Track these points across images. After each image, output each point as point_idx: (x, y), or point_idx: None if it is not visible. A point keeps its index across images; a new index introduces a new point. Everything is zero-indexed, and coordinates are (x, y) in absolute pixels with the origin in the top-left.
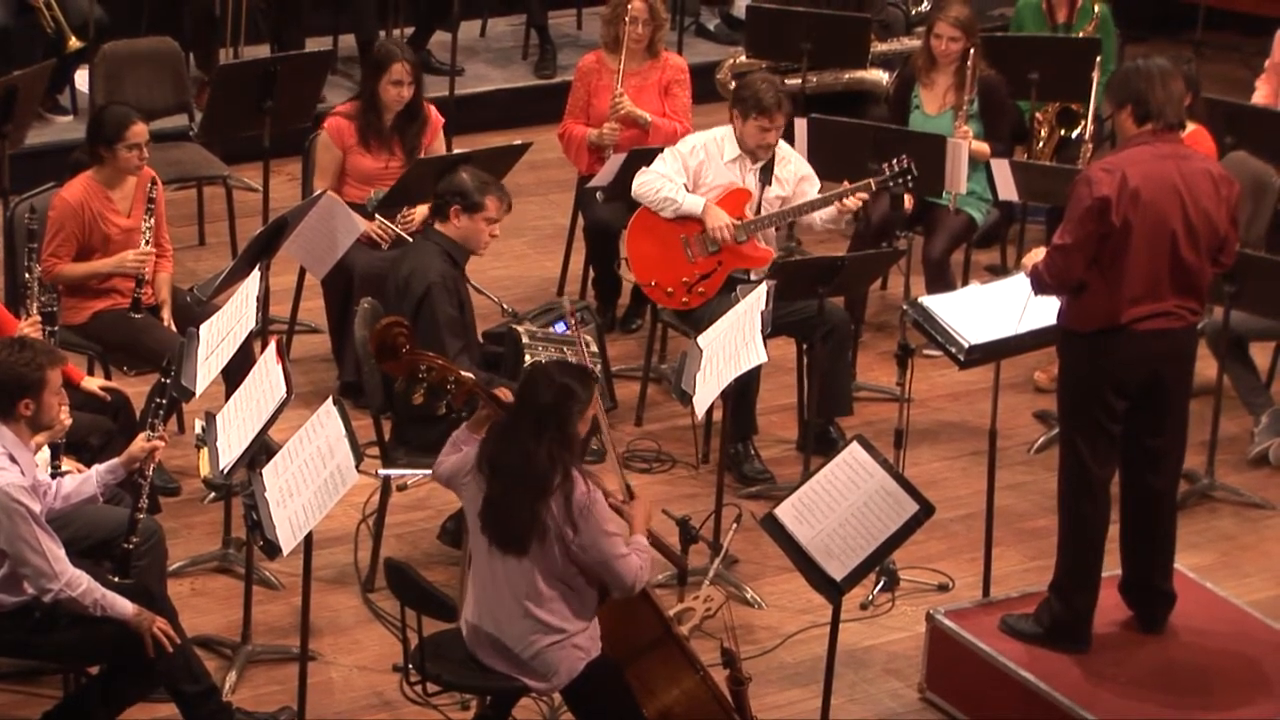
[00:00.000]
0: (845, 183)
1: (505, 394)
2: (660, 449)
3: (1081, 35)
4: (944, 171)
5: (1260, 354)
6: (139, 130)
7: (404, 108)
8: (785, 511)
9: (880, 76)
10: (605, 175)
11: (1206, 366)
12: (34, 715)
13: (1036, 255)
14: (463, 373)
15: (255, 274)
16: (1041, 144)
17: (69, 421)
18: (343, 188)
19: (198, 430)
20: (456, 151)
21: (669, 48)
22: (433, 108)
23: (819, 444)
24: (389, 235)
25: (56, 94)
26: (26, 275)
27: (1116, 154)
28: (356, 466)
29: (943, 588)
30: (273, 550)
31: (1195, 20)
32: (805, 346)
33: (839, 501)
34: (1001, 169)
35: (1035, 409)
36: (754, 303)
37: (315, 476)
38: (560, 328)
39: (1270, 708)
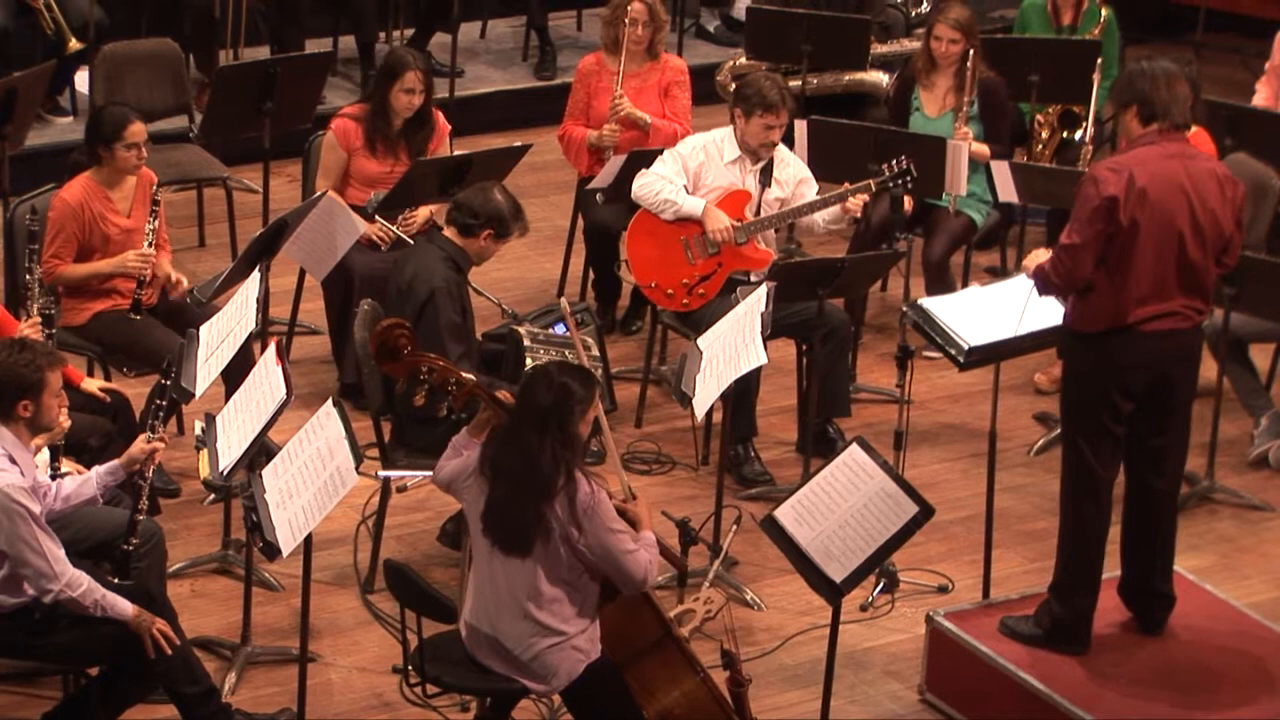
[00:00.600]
0: (846, 184)
1: (507, 396)
2: (660, 451)
3: (1087, 38)
4: (944, 173)
5: (1260, 356)
6: (137, 129)
7: (413, 114)
8: (785, 513)
9: (880, 78)
10: (605, 177)
11: (1207, 369)
12: (34, 716)
13: (1039, 257)
14: (464, 374)
15: (255, 275)
16: (1042, 146)
17: (68, 423)
18: (345, 189)
19: (197, 432)
20: (457, 153)
21: (669, 49)
22: (440, 115)
23: (819, 446)
24: (389, 237)
25: (57, 95)
26: (27, 276)
27: (1123, 154)
28: (356, 468)
29: (942, 589)
30: (272, 552)
31: (1196, 22)
32: (805, 348)
33: (839, 503)
34: (1001, 171)
35: (1035, 411)
36: (754, 304)
37: (315, 478)
38: (560, 329)
39: (1271, 709)
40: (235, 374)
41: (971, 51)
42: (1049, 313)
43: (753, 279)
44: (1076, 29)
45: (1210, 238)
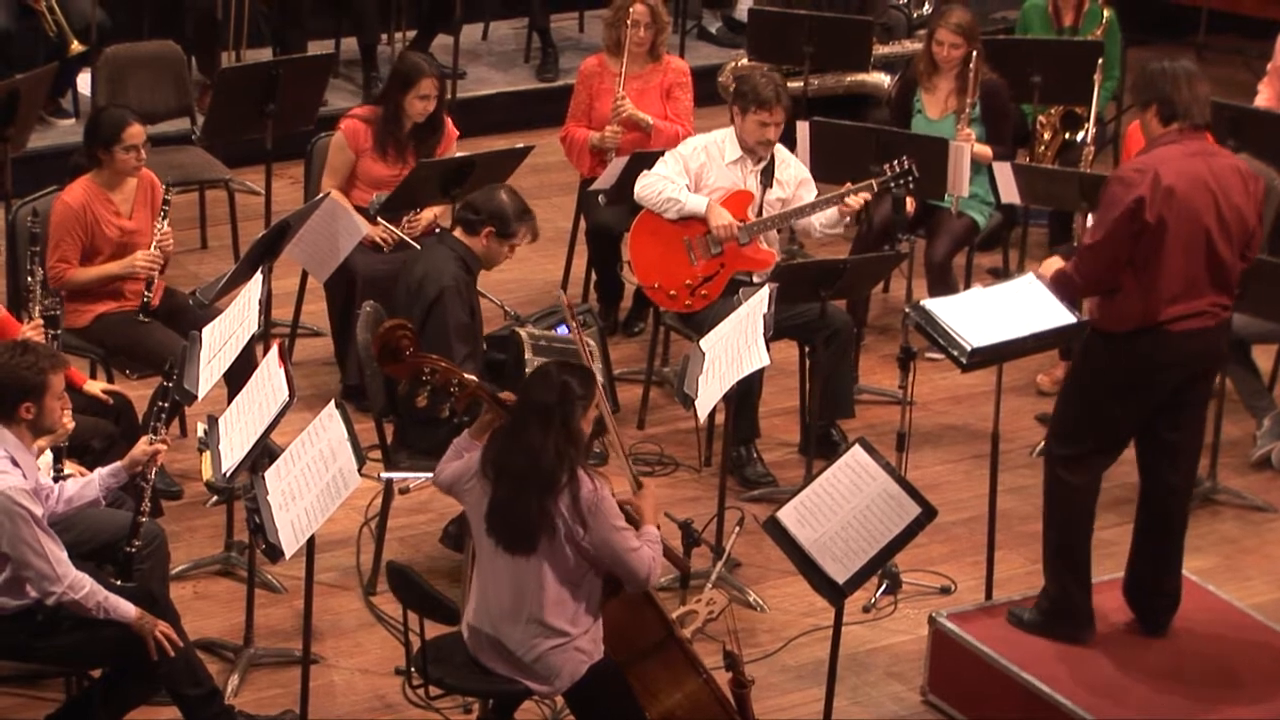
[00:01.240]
0: (848, 184)
1: (509, 398)
2: (663, 452)
3: (1088, 39)
4: (946, 175)
5: (1263, 357)
6: (136, 132)
7: (425, 119)
8: (787, 514)
9: (882, 79)
10: (607, 178)
11: None
12: (36, 718)
13: (1054, 264)
14: (466, 376)
15: (258, 277)
16: (1044, 147)
17: (71, 425)
18: (351, 190)
19: (200, 433)
20: (459, 155)
21: (671, 51)
22: (450, 120)
23: (821, 447)
24: (392, 239)
25: (59, 97)
26: (29, 279)
27: (1146, 154)
28: (359, 470)
29: (945, 591)
30: (275, 553)
31: (1198, 23)
32: (808, 349)
33: (841, 504)
34: (1004, 172)
35: (1038, 412)
36: (756, 306)
37: (318, 480)
38: (562, 330)
39: (1274, 710)
40: (238, 376)
41: (974, 54)
42: (1050, 314)
43: (755, 280)
44: (1078, 30)
45: (1236, 234)
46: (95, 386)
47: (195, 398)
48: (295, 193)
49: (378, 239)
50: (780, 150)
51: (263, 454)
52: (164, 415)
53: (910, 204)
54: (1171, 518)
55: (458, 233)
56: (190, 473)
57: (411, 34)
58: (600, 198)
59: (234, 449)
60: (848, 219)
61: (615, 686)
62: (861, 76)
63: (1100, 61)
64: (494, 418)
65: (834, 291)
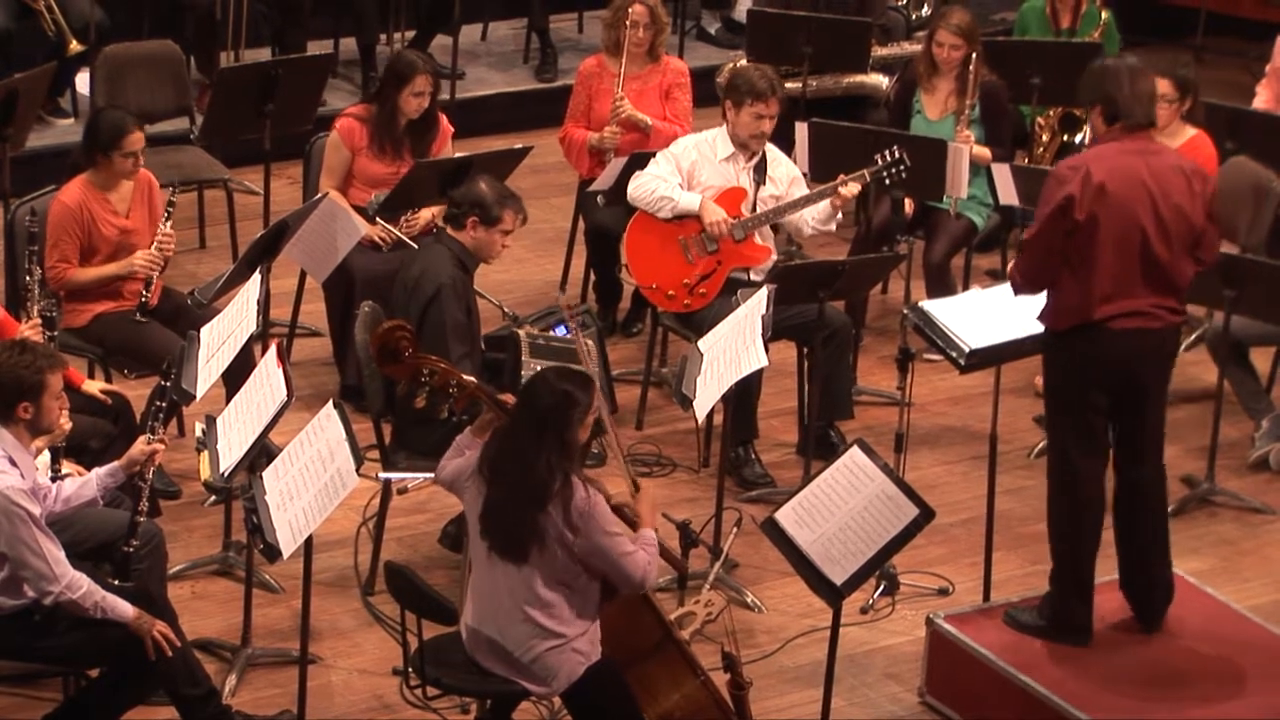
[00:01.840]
0: (841, 177)
1: (509, 399)
2: (661, 453)
3: (1087, 40)
4: (945, 176)
5: (1261, 359)
6: (135, 139)
7: (419, 116)
8: (786, 515)
9: (880, 81)
10: (606, 179)
11: (1207, 372)
12: (34, 718)
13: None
14: (465, 376)
15: (256, 277)
16: (1042, 149)
17: (69, 425)
18: (348, 189)
19: (198, 433)
20: (457, 155)
21: (670, 51)
22: (444, 117)
23: (819, 448)
24: (390, 239)
25: (57, 97)
26: (27, 278)
27: (1085, 152)
28: (357, 470)
29: (943, 592)
30: (273, 553)
31: (1196, 25)
32: (806, 350)
33: (839, 506)
34: (1003, 173)
35: (1036, 413)
36: (755, 307)
37: (316, 480)
38: (561, 331)
39: (1271, 712)
40: (236, 376)
41: (974, 55)
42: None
43: (752, 277)
44: (1075, 32)
45: (1176, 234)
46: (93, 386)
47: (193, 397)
48: (294, 193)
49: (376, 238)
50: (771, 149)
51: (261, 454)
52: (162, 415)
53: (909, 205)
54: (1148, 511)
55: (450, 231)
56: (188, 472)
57: (410, 34)
58: (599, 198)
59: (232, 449)
60: (840, 214)
61: (613, 687)
62: (860, 78)
63: None
64: (494, 418)
65: (832, 292)
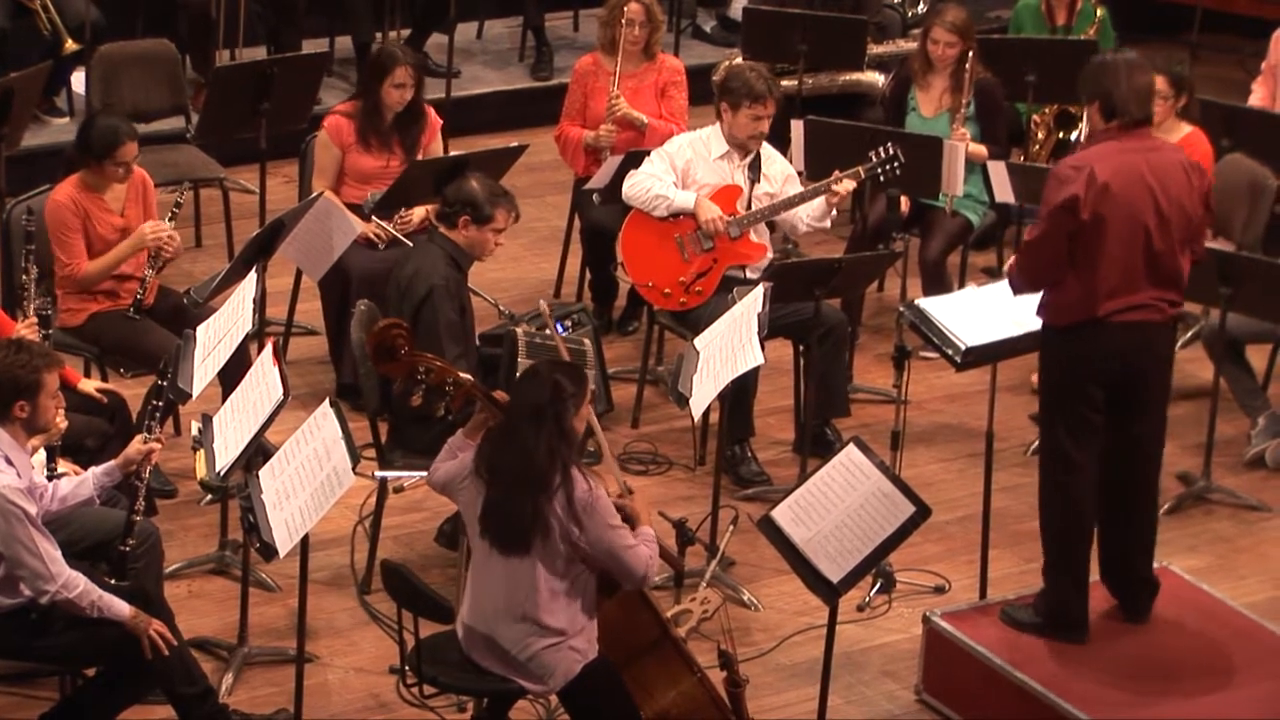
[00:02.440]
0: (836, 173)
1: (503, 397)
2: (657, 451)
3: (1082, 38)
4: (940, 174)
5: (1257, 356)
6: (127, 150)
7: (404, 109)
8: (782, 513)
9: (876, 78)
10: (602, 178)
11: (1203, 369)
12: (31, 717)
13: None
14: (461, 375)
15: (252, 276)
16: (1038, 146)
17: (65, 424)
18: (341, 187)
19: (194, 432)
20: (453, 154)
21: (665, 50)
22: (431, 109)
23: (815, 446)
24: (386, 237)
25: (53, 96)
26: (23, 277)
27: (1085, 150)
28: (353, 468)
29: (939, 589)
30: (269, 552)
31: (1192, 22)
32: (802, 348)
33: (835, 503)
34: (998, 171)
35: (1032, 411)
36: (751, 305)
37: (312, 478)
38: (557, 329)
39: (1268, 709)
40: (232, 374)
41: (970, 54)
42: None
43: (748, 274)
44: (1070, 29)
45: (1177, 227)
46: (90, 385)
47: (190, 396)
48: (289, 192)
49: (371, 235)
50: (765, 146)
51: (257, 453)
52: (158, 414)
53: (905, 203)
54: (1139, 507)
55: (442, 229)
56: (185, 471)
57: (406, 33)
58: (595, 197)
59: (228, 448)
60: (834, 211)
61: (610, 685)
62: (856, 75)
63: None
64: (488, 417)
65: (828, 290)
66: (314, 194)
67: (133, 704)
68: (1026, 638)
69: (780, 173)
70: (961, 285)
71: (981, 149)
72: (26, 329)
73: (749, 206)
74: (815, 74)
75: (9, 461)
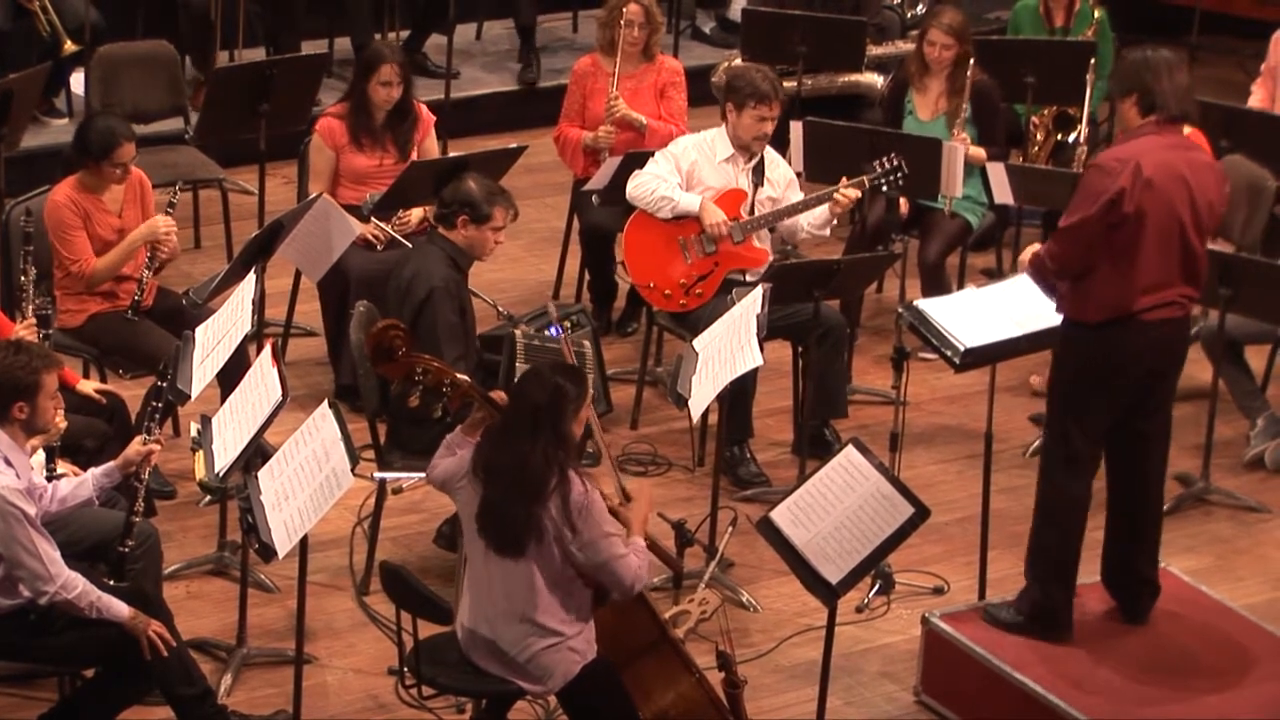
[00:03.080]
0: (844, 180)
1: (501, 397)
2: (656, 452)
3: (1080, 39)
4: (940, 175)
5: (1255, 358)
6: (125, 151)
7: (394, 107)
8: (781, 514)
9: (875, 80)
10: (601, 179)
11: (1202, 370)
12: (30, 717)
13: (1034, 249)
14: (459, 376)
15: (251, 277)
16: (1037, 148)
17: (64, 425)
18: (337, 189)
19: (193, 433)
20: (452, 154)
21: (664, 50)
22: (423, 106)
23: (814, 447)
24: (385, 238)
25: (52, 97)
26: (22, 278)
27: (1126, 144)
28: (352, 469)
29: (938, 591)
30: (268, 553)
31: (1191, 23)
32: (801, 349)
33: (834, 505)
34: (997, 172)
35: (1031, 412)
36: (749, 306)
37: (311, 480)
38: (555, 331)
39: (1267, 711)
40: (231, 376)
41: (970, 58)
42: (1045, 314)
43: (749, 279)
44: (1069, 30)
45: (1208, 227)
46: (89, 386)
47: (188, 397)
48: (288, 193)
49: (370, 236)
50: (769, 150)
51: (256, 454)
52: (157, 415)
53: (903, 204)
54: (1147, 506)
55: (441, 230)
56: (184, 472)
57: (405, 34)
58: (594, 198)
59: (227, 449)
60: (835, 219)
61: (608, 686)
62: (855, 77)
63: (1093, 62)
64: (486, 415)
65: (827, 291)
66: (313, 195)
67: (131, 705)
68: (1026, 639)
69: (783, 177)
70: (960, 286)
71: (981, 152)
72: (25, 330)
73: (752, 210)
74: (814, 75)
75: (8, 462)
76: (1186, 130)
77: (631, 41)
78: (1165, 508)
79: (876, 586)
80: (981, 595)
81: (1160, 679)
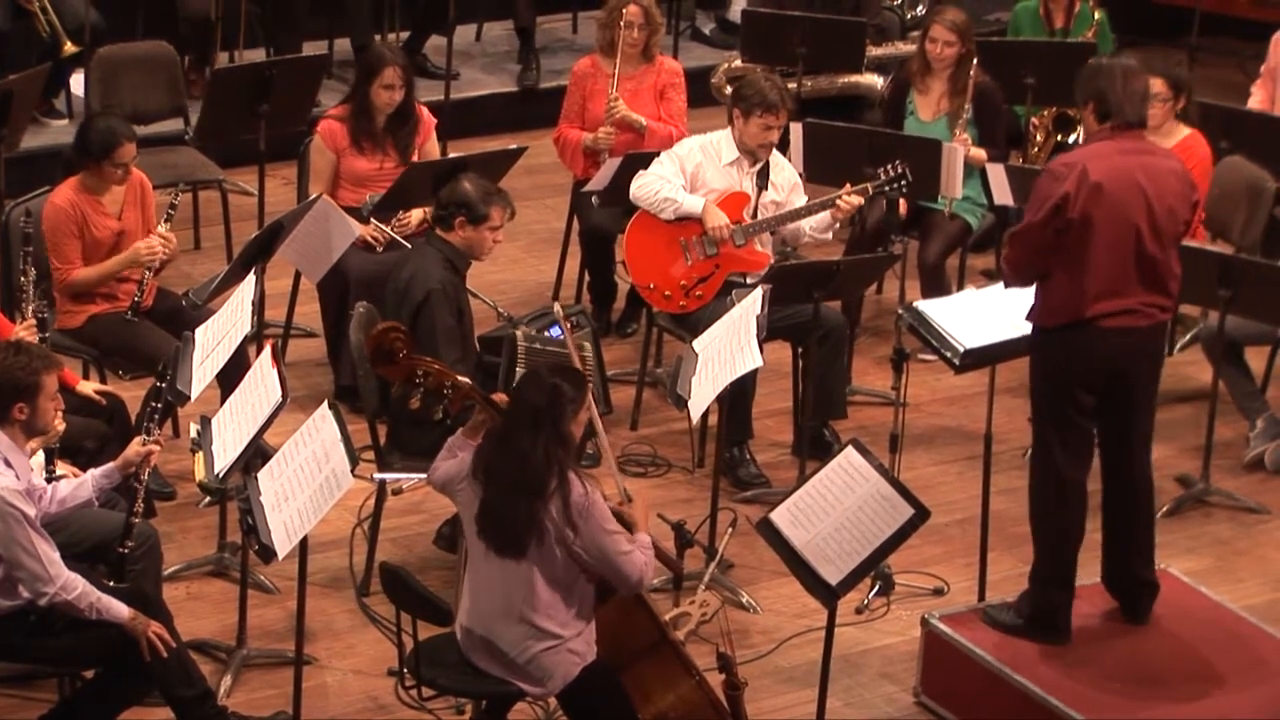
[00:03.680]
0: (847, 186)
1: (502, 399)
2: (655, 453)
3: (1080, 40)
4: (939, 176)
5: (1255, 359)
6: (125, 151)
7: (395, 110)
8: (780, 516)
9: (875, 81)
10: (601, 180)
11: (1202, 371)
12: (30, 718)
13: None
14: (459, 378)
15: (251, 278)
16: (1037, 149)
17: (63, 426)
18: (337, 190)
19: (193, 434)
20: (452, 156)
21: (664, 52)
22: (424, 109)
23: (814, 448)
24: (384, 239)
25: (52, 98)
26: (22, 279)
27: (1078, 149)
28: (352, 470)
29: (938, 592)
30: (268, 554)
31: (1191, 24)
32: (800, 350)
33: (834, 506)
34: (997, 173)
35: (1030, 414)
36: (749, 307)
37: (310, 481)
38: (555, 332)
39: (1267, 712)
40: (231, 377)
41: (971, 59)
42: None
43: (749, 281)
44: (1069, 32)
45: (1168, 234)
46: (88, 387)
47: (188, 398)
48: (288, 194)
49: (369, 238)
50: (774, 154)
51: (256, 454)
52: (157, 416)
53: (903, 206)
54: (1135, 509)
55: (439, 231)
56: (183, 473)
57: (405, 35)
58: (594, 199)
59: (227, 450)
60: (838, 223)
61: (608, 688)
62: (855, 78)
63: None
64: (487, 418)
65: (827, 292)
66: (313, 197)
67: (131, 706)
68: (1025, 640)
69: (788, 181)
70: (960, 288)
71: (981, 154)
72: (25, 331)
73: (755, 214)
74: (814, 76)
75: (8, 463)
76: (1185, 132)
77: (631, 43)
78: (1165, 509)
79: (876, 588)
80: (981, 596)
81: (1160, 680)
